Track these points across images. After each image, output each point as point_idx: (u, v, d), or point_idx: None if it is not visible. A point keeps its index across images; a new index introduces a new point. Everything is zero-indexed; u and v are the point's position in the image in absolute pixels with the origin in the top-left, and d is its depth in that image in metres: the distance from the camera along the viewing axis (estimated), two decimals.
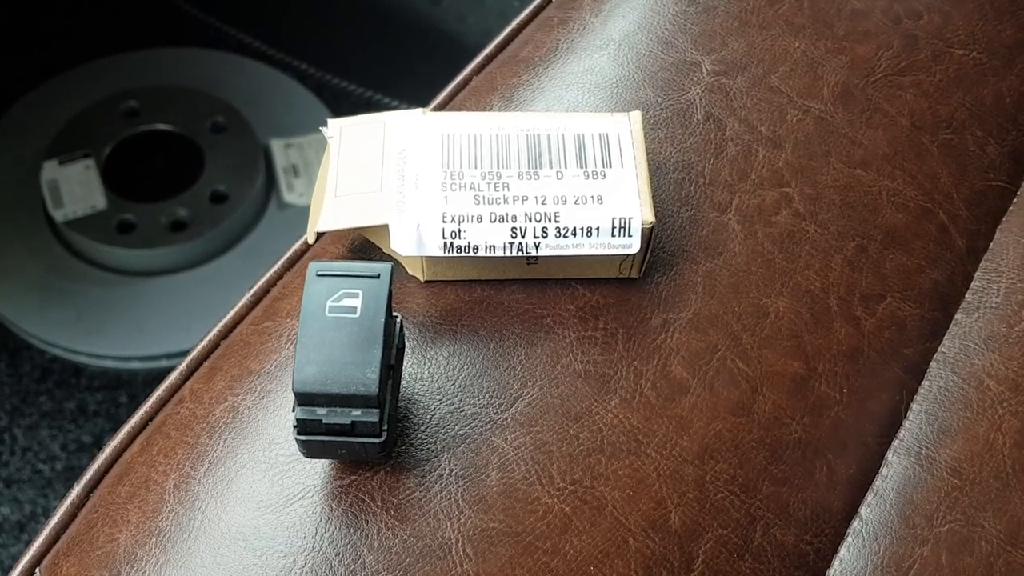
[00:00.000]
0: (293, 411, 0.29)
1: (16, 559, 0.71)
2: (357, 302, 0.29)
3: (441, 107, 0.43)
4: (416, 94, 1.00)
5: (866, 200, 0.40)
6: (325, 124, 0.36)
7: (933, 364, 0.39)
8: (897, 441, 0.37)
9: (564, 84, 0.42)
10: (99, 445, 0.86)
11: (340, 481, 0.32)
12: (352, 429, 0.29)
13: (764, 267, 0.38)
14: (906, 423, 0.37)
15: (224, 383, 0.35)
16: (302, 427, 0.29)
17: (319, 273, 0.29)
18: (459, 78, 0.44)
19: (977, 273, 0.41)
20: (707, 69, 0.42)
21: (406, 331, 0.35)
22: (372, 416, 0.29)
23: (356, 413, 0.29)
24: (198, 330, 0.88)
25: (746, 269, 0.37)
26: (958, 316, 0.40)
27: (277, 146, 0.97)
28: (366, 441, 0.29)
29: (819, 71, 0.43)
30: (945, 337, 0.39)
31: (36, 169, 0.94)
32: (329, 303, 0.29)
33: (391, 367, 0.30)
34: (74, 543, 0.32)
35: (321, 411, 0.29)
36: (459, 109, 0.42)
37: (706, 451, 0.34)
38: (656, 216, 0.35)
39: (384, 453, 0.30)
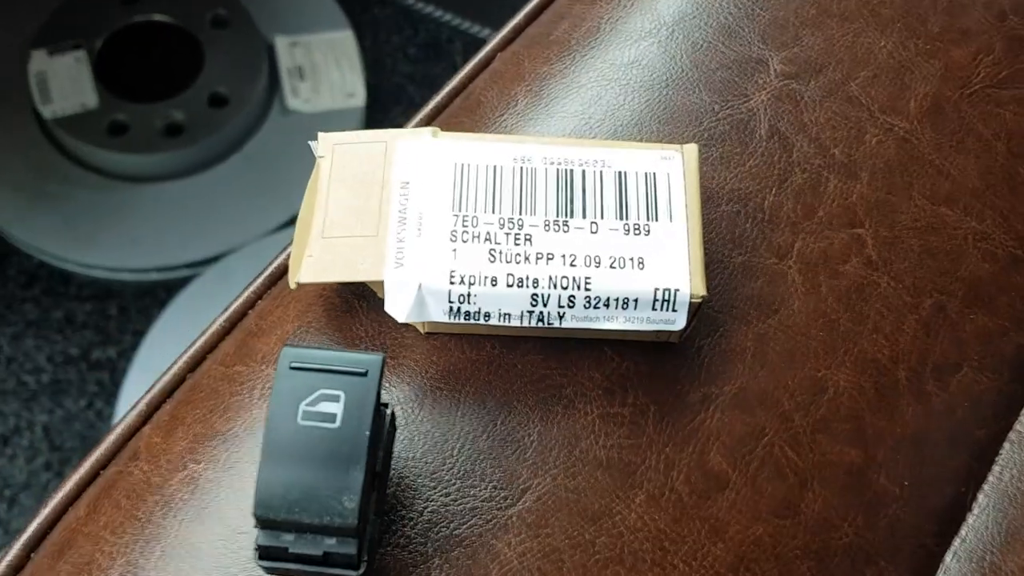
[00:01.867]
0: (255, 526, 0.24)
1: None
2: (338, 408, 0.23)
3: (457, 92, 0.37)
4: None
5: (949, 246, 0.34)
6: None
7: (1007, 445, 0.34)
8: (958, 541, 0.32)
9: (603, 78, 0.35)
10: (86, 358, 0.83)
11: None
12: (325, 559, 0.24)
13: (826, 330, 0.32)
14: (970, 519, 0.32)
15: (184, 444, 0.30)
16: (264, 553, 0.24)
17: (293, 365, 0.24)
18: (480, 55, 0.38)
19: None
20: (775, 70, 0.36)
21: (400, 392, 0.29)
22: (349, 548, 0.24)
23: (330, 542, 0.24)
24: (192, 243, 0.84)
25: (805, 332, 0.32)
26: None
27: (282, 44, 0.90)
28: (341, 573, 0.24)
29: (907, 79, 0.36)
30: (1023, 411, 0.34)
31: (23, 59, 0.87)
32: (303, 407, 0.23)
33: (376, 475, 0.25)
34: None
35: (288, 537, 0.24)
36: (478, 98, 0.36)
37: (742, 561, 0.29)
38: (708, 285, 0.30)
39: None
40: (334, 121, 0.89)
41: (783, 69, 0.36)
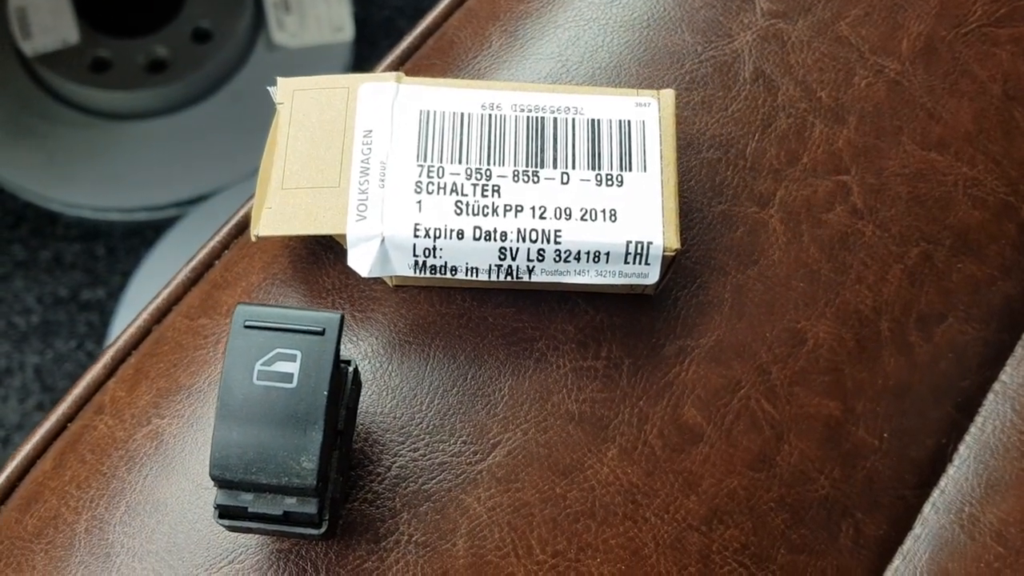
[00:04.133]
0: (214, 485, 0.24)
1: None
2: (294, 367, 0.23)
3: (430, 32, 0.35)
4: None
5: (938, 192, 0.33)
6: None
7: (990, 396, 0.33)
8: (937, 492, 0.32)
9: (582, 17, 0.34)
10: (76, 299, 0.82)
11: (278, 544, 0.27)
12: (286, 518, 0.23)
13: (807, 280, 0.31)
14: (950, 470, 0.32)
15: (148, 398, 0.29)
16: (224, 512, 0.23)
17: (248, 324, 0.23)
18: None
19: None
20: (762, 8, 0.34)
21: (368, 345, 0.29)
22: (310, 507, 0.23)
23: (290, 502, 0.23)
24: (178, 182, 0.83)
25: (785, 283, 0.31)
26: None
27: None
28: (303, 531, 0.24)
29: (900, 18, 0.35)
30: (1008, 362, 0.33)
31: None
32: (258, 366, 0.23)
33: (339, 433, 0.24)
34: None
35: (247, 497, 0.23)
36: (451, 38, 0.35)
37: (715, 514, 0.29)
38: (681, 237, 0.29)
39: (327, 536, 0.24)
40: (321, 56, 0.87)
41: (770, 7, 0.34)
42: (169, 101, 0.85)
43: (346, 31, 0.87)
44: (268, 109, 0.29)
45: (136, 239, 0.84)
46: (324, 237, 0.30)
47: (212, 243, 0.32)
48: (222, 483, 0.23)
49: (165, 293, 0.32)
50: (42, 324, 0.82)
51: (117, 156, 0.84)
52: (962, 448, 0.32)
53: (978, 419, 0.33)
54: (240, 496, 0.23)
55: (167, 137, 0.85)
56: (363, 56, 0.88)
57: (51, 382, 0.80)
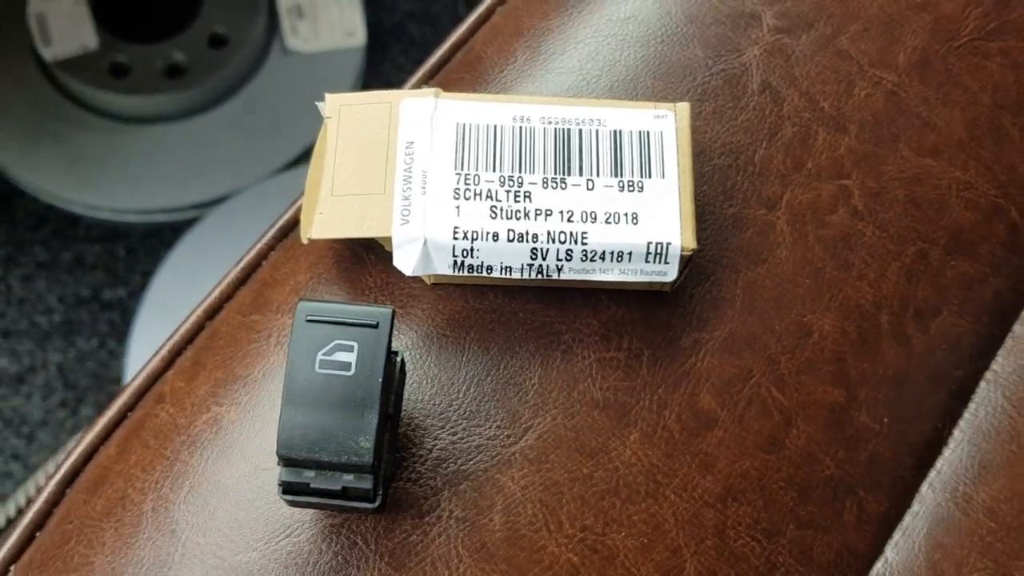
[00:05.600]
0: (278, 464, 0.26)
1: (16, 412, 0.70)
2: (352, 357, 0.25)
3: (457, 47, 0.38)
4: None
5: (933, 196, 0.36)
6: None
7: (983, 384, 0.36)
8: (934, 473, 0.34)
9: (600, 34, 0.36)
10: (97, 299, 0.84)
11: (331, 519, 0.29)
12: (343, 493, 0.26)
13: (812, 277, 0.34)
14: (946, 452, 0.35)
15: (207, 388, 0.32)
16: (287, 488, 0.26)
17: (309, 318, 0.25)
18: (480, 9, 0.39)
19: None
20: (768, 24, 0.37)
21: (408, 338, 0.31)
22: (366, 483, 0.26)
23: (348, 478, 0.26)
24: (196, 185, 0.85)
25: (792, 280, 0.34)
26: (1016, 328, 0.36)
27: None
28: (358, 506, 0.26)
29: (896, 33, 0.37)
30: (999, 353, 0.36)
31: (22, 1, 0.87)
32: (320, 356, 0.25)
33: (389, 417, 0.27)
34: (48, 557, 0.30)
35: (309, 474, 0.26)
36: (478, 54, 0.37)
37: (730, 493, 0.31)
38: (697, 238, 0.31)
39: (379, 510, 0.27)
40: (334, 61, 0.89)
41: (775, 24, 0.37)
42: (187, 105, 0.88)
43: (358, 36, 0.90)
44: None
45: (155, 240, 0.86)
46: (366, 239, 0.32)
47: (259, 245, 0.35)
48: (288, 461, 0.25)
49: (216, 292, 0.34)
50: (64, 323, 0.84)
51: (136, 159, 0.86)
52: (956, 432, 0.35)
53: (971, 405, 0.35)
54: (303, 473, 0.26)
55: (185, 141, 0.87)
56: (375, 61, 0.90)
57: (73, 379, 0.82)
